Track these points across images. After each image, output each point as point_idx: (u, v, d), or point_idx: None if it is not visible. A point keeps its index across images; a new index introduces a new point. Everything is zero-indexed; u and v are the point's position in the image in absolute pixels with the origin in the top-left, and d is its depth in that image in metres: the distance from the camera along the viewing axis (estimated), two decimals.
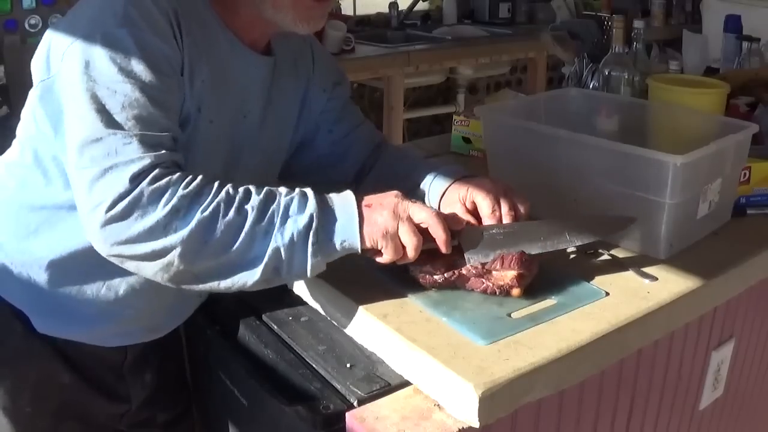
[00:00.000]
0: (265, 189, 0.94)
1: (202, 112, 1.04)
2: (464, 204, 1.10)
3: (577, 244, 1.06)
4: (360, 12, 4.15)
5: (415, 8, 4.12)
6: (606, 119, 1.46)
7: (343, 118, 1.29)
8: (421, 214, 0.96)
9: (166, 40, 0.98)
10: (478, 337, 0.93)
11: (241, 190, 0.93)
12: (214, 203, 0.90)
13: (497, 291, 1.00)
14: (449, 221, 0.99)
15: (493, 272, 1.00)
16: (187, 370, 1.33)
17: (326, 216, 0.93)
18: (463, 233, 1.02)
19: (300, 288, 1.12)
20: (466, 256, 1.01)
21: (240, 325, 1.13)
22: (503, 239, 1.02)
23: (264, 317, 1.12)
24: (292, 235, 0.91)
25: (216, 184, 0.92)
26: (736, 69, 2.03)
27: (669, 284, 1.07)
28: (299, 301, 1.12)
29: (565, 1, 4.15)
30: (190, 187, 0.90)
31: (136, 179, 0.89)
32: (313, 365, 1.01)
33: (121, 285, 1.10)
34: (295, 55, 1.23)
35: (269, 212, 0.92)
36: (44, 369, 1.14)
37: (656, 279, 1.07)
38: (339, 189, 1.00)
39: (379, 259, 0.96)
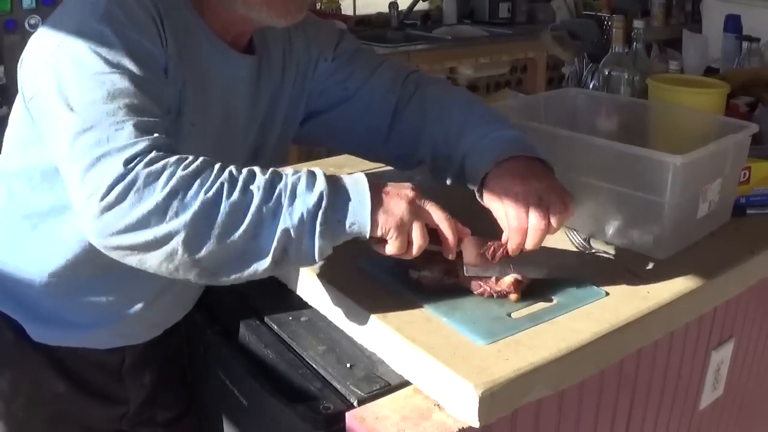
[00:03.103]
0: (271, 169, 0.89)
1: (184, 115, 1.03)
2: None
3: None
4: (360, 12, 4.14)
5: (415, 8, 4.12)
6: (606, 119, 1.46)
7: (353, 72, 1.23)
8: (437, 215, 0.94)
9: (149, 37, 0.96)
10: (478, 337, 0.93)
11: (244, 170, 0.88)
12: (217, 183, 0.85)
13: (495, 295, 1.00)
14: (458, 228, 0.97)
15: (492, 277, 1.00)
16: (187, 369, 1.33)
17: (338, 195, 0.88)
18: (466, 242, 1.00)
19: (300, 288, 1.12)
20: (465, 267, 0.99)
21: (240, 324, 1.13)
22: (506, 259, 1.00)
23: (264, 317, 1.12)
24: (302, 215, 0.86)
25: (218, 164, 0.87)
26: (736, 69, 2.03)
27: (669, 284, 1.07)
28: (299, 301, 1.12)
29: (565, 1, 4.15)
30: (190, 168, 0.85)
31: (130, 163, 0.84)
32: (313, 365, 1.01)
33: (115, 291, 1.09)
34: (284, 47, 1.19)
35: (276, 191, 0.87)
36: (38, 378, 1.13)
37: (656, 279, 1.07)
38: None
39: (378, 250, 0.92)
